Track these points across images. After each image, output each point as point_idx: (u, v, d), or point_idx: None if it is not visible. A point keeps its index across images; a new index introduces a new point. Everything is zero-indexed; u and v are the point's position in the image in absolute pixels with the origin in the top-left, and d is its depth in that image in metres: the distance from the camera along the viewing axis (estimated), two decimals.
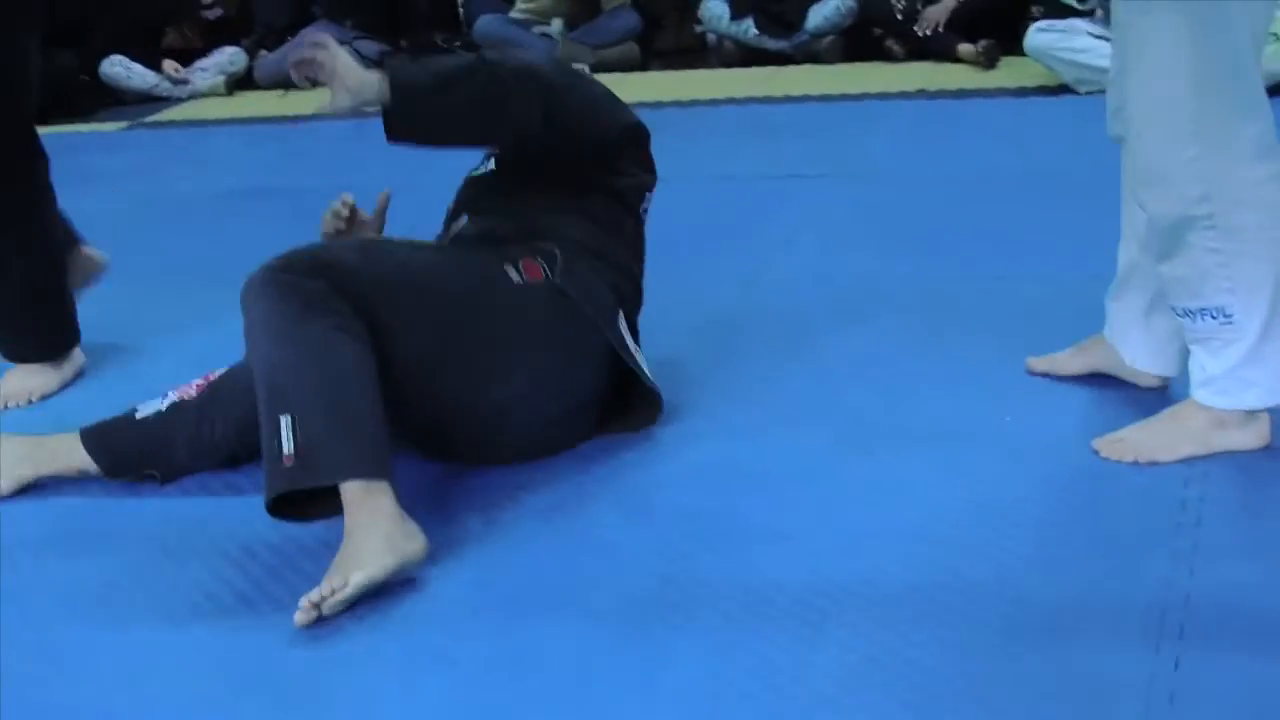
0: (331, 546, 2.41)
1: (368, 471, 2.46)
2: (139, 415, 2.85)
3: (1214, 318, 2.55)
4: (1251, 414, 2.60)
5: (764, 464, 2.72)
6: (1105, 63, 2.77)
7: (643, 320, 3.11)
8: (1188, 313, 2.58)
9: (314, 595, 2.32)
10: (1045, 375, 2.99)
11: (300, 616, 2.30)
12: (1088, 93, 5.39)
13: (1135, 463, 2.60)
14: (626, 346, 2.85)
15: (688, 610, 2.27)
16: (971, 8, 6.49)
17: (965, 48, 6.36)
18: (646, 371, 2.88)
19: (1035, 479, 2.59)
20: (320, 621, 2.30)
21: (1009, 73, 6.12)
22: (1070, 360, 2.99)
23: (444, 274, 2.73)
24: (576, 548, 2.49)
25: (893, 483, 2.61)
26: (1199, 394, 2.61)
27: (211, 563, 2.53)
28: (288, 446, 2.45)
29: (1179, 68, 2.44)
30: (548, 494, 2.67)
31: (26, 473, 2.84)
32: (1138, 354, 2.86)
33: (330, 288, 2.54)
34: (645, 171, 3.07)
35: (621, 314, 2.89)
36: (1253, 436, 2.61)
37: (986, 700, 2.01)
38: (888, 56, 6.67)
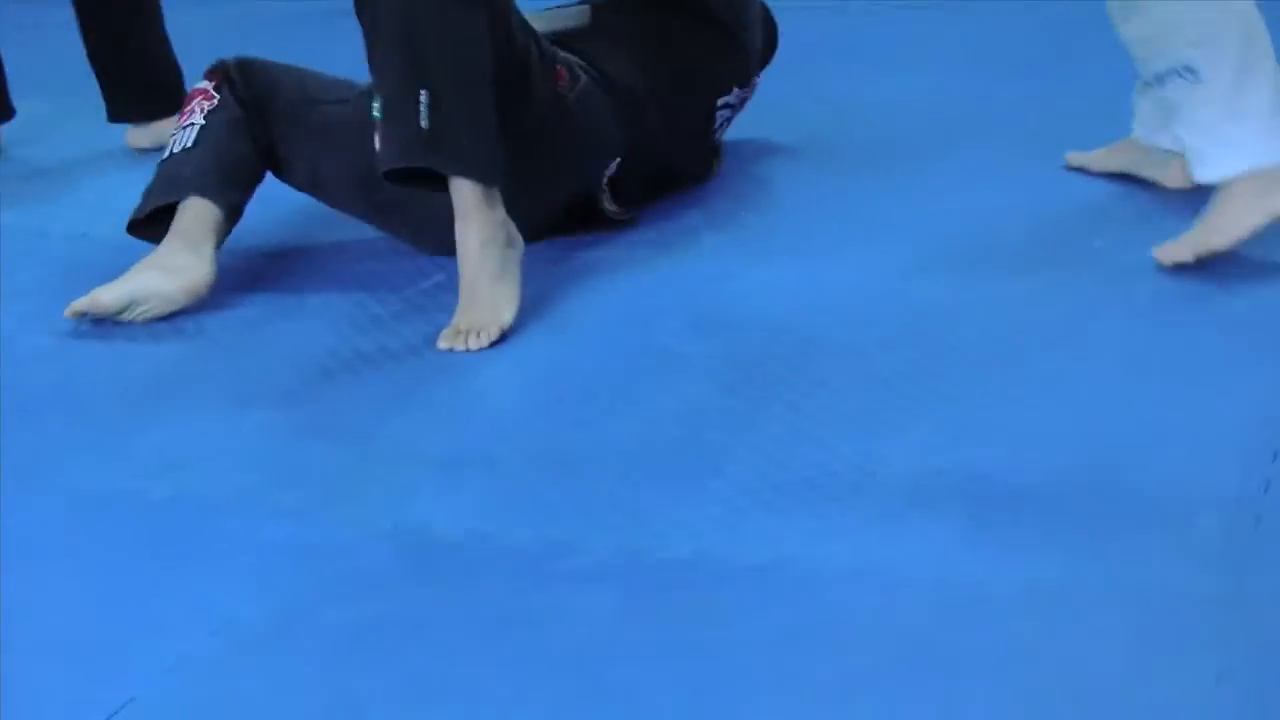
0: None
1: (490, 175, 2.44)
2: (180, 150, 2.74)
3: (1182, 77, 2.41)
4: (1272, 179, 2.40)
5: (843, 284, 2.59)
6: None
7: (735, 137, 3.05)
8: (1158, 78, 2.46)
9: (460, 343, 2.39)
10: (1080, 170, 2.94)
11: (444, 345, 2.40)
12: None
13: (1197, 259, 2.45)
14: (600, 186, 2.79)
15: (748, 416, 2.16)
16: None
17: None
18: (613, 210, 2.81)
19: (1124, 304, 2.44)
20: (356, 415, 2.26)
21: None
22: (1103, 159, 2.92)
23: (533, 33, 2.68)
24: (638, 354, 2.38)
25: (978, 305, 2.47)
26: (1198, 174, 2.48)
27: (260, 357, 2.46)
28: (424, 121, 2.39)
29: None
30: (614, 303, 2.56)
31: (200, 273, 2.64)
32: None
33: None
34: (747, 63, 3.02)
35: (620, 157, 2.80)
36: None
37: (1056, 506, 1.89)
38: None
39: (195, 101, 2.76)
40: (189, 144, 2.72)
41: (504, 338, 2.41)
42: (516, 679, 1.64)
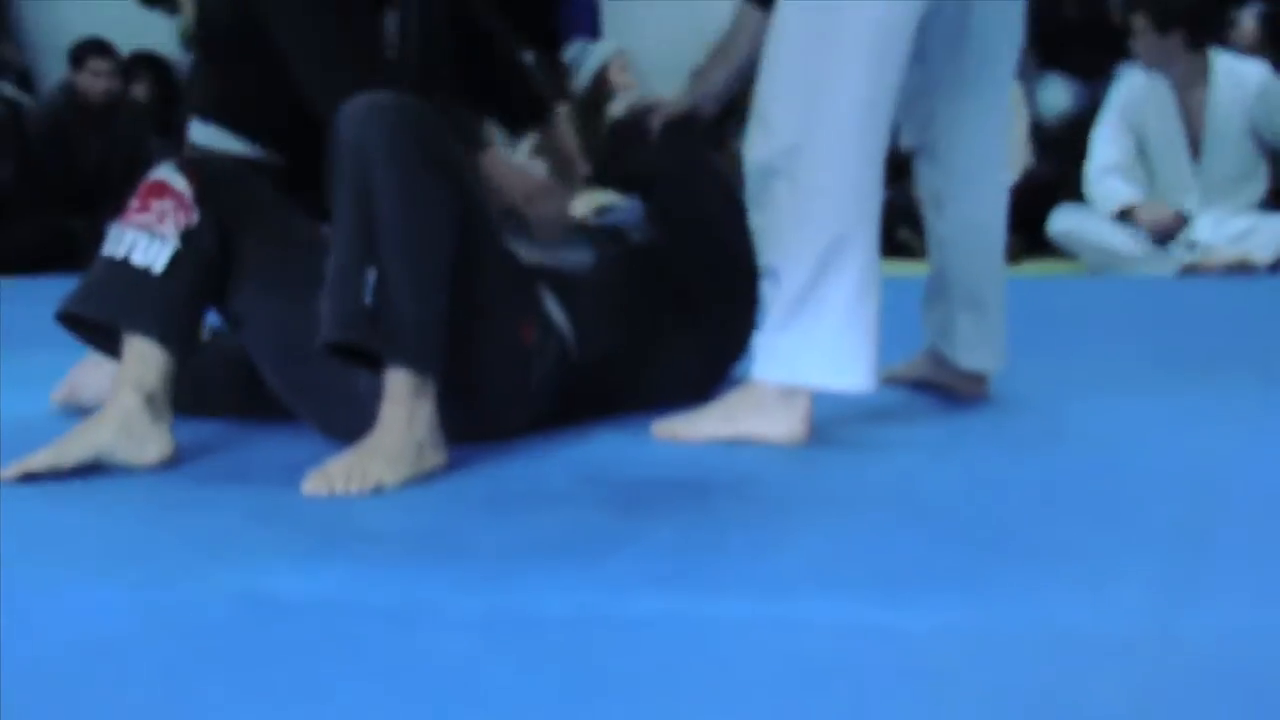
0: None
1: (426, 367, 2.27)
2: (144, 267, 2.37)
3: (770, 279, 2.38)
4: (789, 397, 2.37)
5: None
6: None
7: None
8: (764, 272, 2.41)
9: (333, 484, 2.17)
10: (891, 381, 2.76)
11: (310, 488, 2.17)
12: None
13: (674, 438, 2.45)
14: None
15: None
16: None
17: None
18: None
19: None
20: None
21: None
22: (905, 371, 2.83)
23: (511, 269, 2.54)
24: None
25: None
26: (752, 370, 2.45)
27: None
28: (367, 297, 2.24)
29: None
30: None
31: None
32: (959, 352, 2.71)
33: (445, 131, 2.37)
34: None
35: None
36: (782, 428, 2.37)
37: None
38: (907, 252, 6.31)
39: (168, 203, 2.37)
40: (156, 266, 2.36)
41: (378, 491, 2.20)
42: None
